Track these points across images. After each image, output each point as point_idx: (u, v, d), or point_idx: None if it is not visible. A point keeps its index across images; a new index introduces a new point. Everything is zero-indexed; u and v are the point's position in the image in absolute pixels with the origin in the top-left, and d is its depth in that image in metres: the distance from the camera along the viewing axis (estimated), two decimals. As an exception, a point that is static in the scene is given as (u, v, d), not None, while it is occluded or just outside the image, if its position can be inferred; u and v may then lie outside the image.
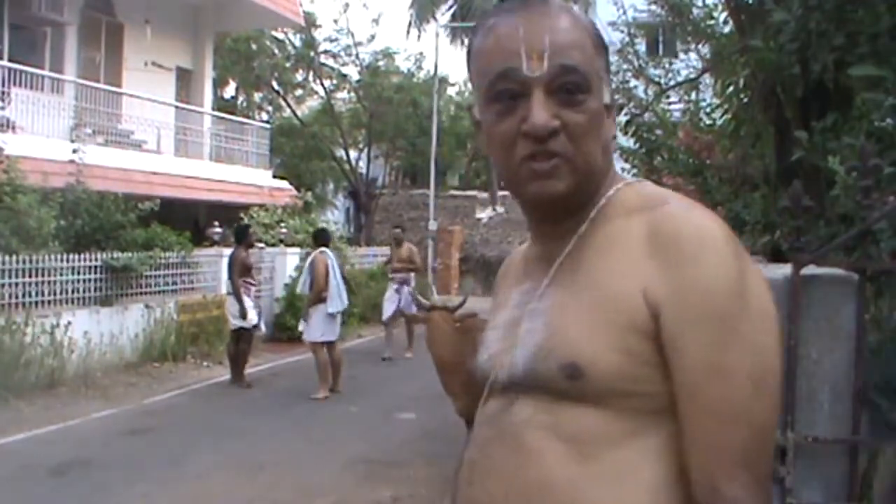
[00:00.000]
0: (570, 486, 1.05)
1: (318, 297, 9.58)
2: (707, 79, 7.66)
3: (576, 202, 1.14)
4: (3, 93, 13.23)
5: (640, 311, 1.04)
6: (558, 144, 1.09)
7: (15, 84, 13.73)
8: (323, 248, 9.96)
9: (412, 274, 12.64)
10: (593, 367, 1.04)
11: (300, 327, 9.96)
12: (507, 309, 1.23)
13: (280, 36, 25.65)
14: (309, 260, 10.02)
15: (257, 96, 28.09)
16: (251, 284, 10.48)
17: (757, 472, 1.01)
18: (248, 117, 23.12)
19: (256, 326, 10.45)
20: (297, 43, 26.02)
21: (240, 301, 10.06)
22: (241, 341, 10.25)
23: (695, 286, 1.02)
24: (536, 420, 1.09)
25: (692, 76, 7.99)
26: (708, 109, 7.38)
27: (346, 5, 25.98)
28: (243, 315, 10.06)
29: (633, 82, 8.55)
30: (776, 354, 1.04)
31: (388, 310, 12.37)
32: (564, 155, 1.10)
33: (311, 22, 24.30)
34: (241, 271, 10.14)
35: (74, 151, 11.87)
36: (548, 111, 1.09)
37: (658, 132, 7.68)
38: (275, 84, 26.59)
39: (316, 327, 9.60)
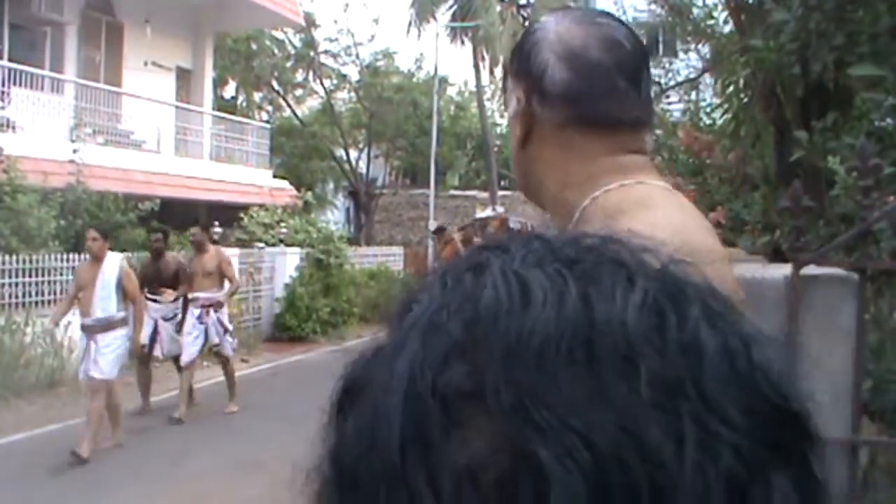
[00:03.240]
0: None
1: (142, 317, 7.51)
2: (707, 79, 7.67)
3: (556, 211, 1.24)
4: (3, 93, 13.23)
5: None
6: None
7: (15, 84, 13.73)
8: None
9: (222, 293, 8.85)
10: None
11: (95, 369, 7.07)
12: None
13: (280, 36, 25.64)
14: (112, 268, 7.27)
15: (257, 96, 28.07)
16: (155, 299, 8.59)
17: None
18: (248, 117, 23.12)
19: (146, 347, 8.36)
20: (297, 43, 26.01)
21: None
22: (140, 363, 8.64)
23: None
24: None
25: (692, 76, 8.00)
26: (708, 109, 7.38)
27: (346, 5, 25.98)
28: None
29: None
30: None
31: (190, 349, 8.63)
32: None
33: (311, 22, 24.29)
34: (142, 281, 8.18)
35: (74, 151, 11.88)
36: None
37: (658, 132, 7.68)
38: (275, 84, 26.58)
39: (116, 361, 7.25)
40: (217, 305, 8.73)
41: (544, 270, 0.35)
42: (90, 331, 7.18)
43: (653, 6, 8.16)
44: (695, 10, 6.93)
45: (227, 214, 15.93)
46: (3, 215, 10.10)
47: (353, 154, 27.14)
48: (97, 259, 7.25)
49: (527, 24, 30.84)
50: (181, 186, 15.86)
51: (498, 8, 28.84)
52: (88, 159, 12.05)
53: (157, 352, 8.67)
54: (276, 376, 11.07)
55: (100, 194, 11.97)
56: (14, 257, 9.84)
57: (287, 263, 14.49)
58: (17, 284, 9.85)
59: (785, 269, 2.45)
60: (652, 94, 1.29)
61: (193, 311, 8.64)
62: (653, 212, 1.13)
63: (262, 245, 14.56)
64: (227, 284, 8.95)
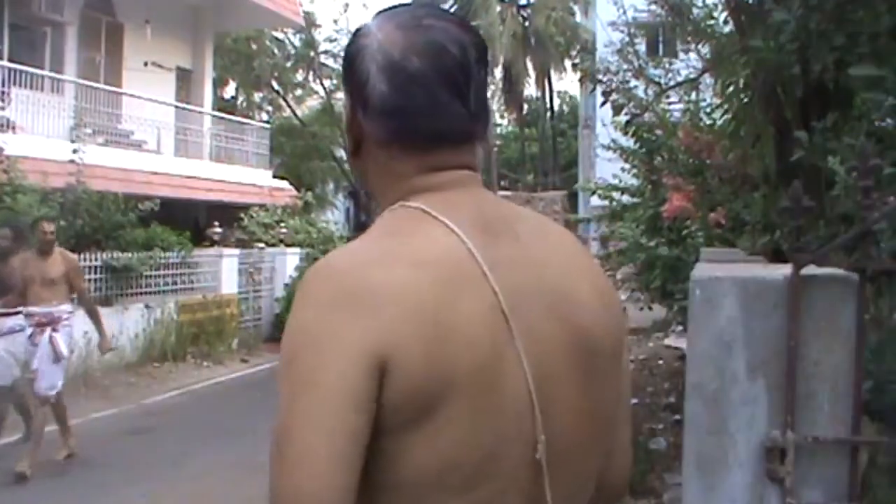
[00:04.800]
0: None
1: None
2: (707, 79, 7.66)
3: None
4: (3, 93, 13.22)
5: None
6: None
7: (15, 84, 13.73)
8: None
9: (68, 306, 6.95)
10: None
11: None
12: None
13: (280, 36, 25.65)
14: None
15: (257, 96, 28.08)
16: (7, 313, 6.70)
17: None
18: (248, 117, 23.12)
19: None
20: (297, 43, 26.02)
21: None
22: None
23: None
24: None
25: (692, 76, 7.99)
26: (708, 109, 7.37)
27: (346, 5, 25.99)
28: None
29: (633, 82, 8.53)
30: (295, 421, 0.95)
31: (50, 378, 6.83)
32: None
33: (311, 22, 24.30)
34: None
35: (74, 151, 11.88)
36: None
37: (658, 132, 7.68)
38: (275, 84, 26.59)
39: None
40: (56, 323, 6.74)
41: None
42: None
43: (653, 6, 8.15)
44: (695, 10, 6.92)
45: (227, 214, 15.94)
46: (3, 215, 10.09)
47: (353, 154, 27.13)
48: None
49: (526, 24, 30.88)
50: (181, 186, 15.86)
51: (498, 8, 28.85)
52: (88, 159, 12.05)
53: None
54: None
55: (100, 194, 11.97)
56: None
57: (287, 263, 14.50)
58: (17, 284, 9.84)
59: (785, 269, 2.45)
60: (487, 101, 1.14)
61: (25, 328, 6.69)
62: (359, 240, 1.08)
63: (262, 245, 14.58)
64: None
